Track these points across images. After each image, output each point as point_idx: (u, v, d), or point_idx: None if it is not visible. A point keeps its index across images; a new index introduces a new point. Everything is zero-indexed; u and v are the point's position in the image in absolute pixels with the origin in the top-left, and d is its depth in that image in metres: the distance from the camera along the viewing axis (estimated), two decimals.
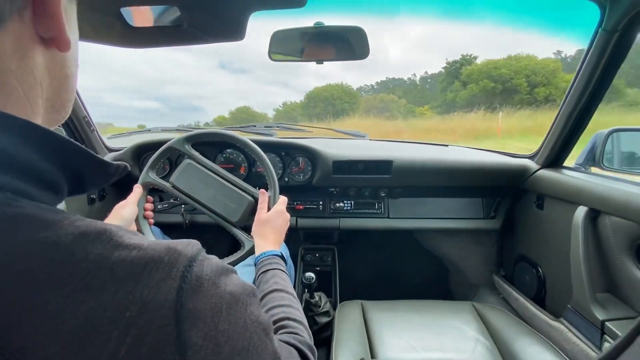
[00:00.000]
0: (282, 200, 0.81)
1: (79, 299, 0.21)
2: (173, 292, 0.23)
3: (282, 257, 0.68)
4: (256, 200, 0.82)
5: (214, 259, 0.28)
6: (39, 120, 0.27)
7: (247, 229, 0.83)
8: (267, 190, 0.83)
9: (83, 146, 0.27)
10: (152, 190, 0.90)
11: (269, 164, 0.85)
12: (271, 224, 0.75)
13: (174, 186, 0.86)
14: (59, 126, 1.02)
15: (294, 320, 0.50)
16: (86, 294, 0.21)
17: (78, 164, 0.27)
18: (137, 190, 0.83)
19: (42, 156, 0.24)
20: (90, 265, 0.22)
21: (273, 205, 0.80)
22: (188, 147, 0.87)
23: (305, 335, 0.48)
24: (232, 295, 0.27)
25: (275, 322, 0.49)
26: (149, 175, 0.87)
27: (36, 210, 0.23)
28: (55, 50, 0.27)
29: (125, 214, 0.76)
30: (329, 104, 27.82)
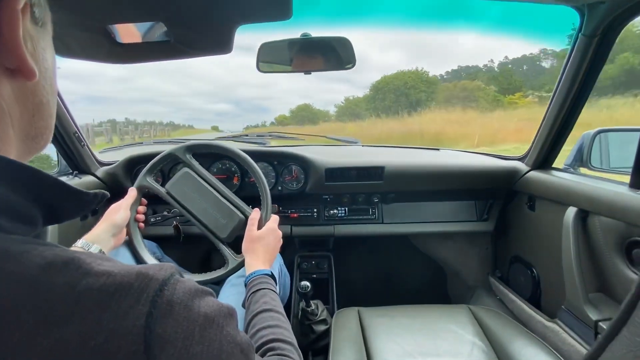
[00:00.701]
0: (274, 219, 0.81)
1: (42, 331, 0.21)
2: (142, 317, 0.23)
3: (272, 276, 0.68)
4: (247, 218, 0.82)
5: (188, 281, 0.28)
6: (12, 151, 0.27)
7: (233, 246, 0.83)
8: (259, 206, 0.83)
9: (56, 177, 0.27)
10: (146, 202, 0.90)
11: (264, 181, 0.85)
12: (263, 242, 0.75)
13: (168, 192, 0.86)
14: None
15: (283, 341, 0.50)
16: (50, 325, 0.21)
17: (51, 196, 0.27)
18: (132, 193, 0.83)
19: (12, 189, 0.24)
20: (56, 296, 0.22)
21: (265, 223, 0.79)
22: (189, 157, 0.88)
23: (295, 356, 0.48)
24: (206, 317, 0.27)
25: (264, 344, 0.49)
26: (145, 179, 0.87)
27: (5, 244, 0.23)
28: (23, 79, 0.26)
29: (117, 219, 0.76)
30: (402, 94, 23.03)
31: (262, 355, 0.47)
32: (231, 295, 0.75)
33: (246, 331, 0.54)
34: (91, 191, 0.30)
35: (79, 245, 0.68)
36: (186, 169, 0.87)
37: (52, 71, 0.31)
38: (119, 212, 0.77)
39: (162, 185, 0.88)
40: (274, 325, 0.53)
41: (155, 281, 0.25)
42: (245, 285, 0.66)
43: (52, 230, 0.87)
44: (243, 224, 0.82)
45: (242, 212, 0.83)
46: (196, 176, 0.86)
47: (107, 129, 15.20)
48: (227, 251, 0.82)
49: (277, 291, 0.65)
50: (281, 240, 0.79)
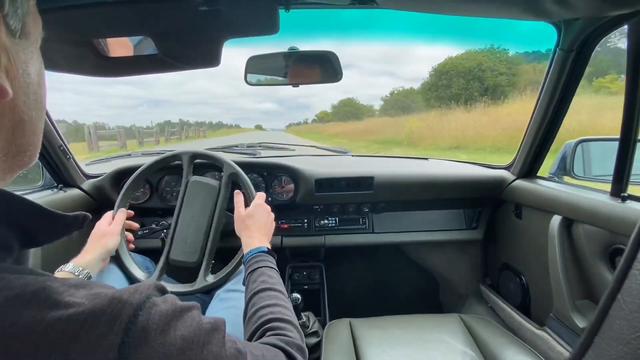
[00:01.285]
0: (260, 195, 0.81)
1: None
2: (114, 348, 0.22)
3: (269, 252, 0.67)
4: (204, 264, 0.83)
5: (165, 301, 0.27)
6: None
7: (176, 276, 0.86)
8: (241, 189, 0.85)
9: (31, 200, 0.26)
10: (134, 216, 0.89)
11: (248, 183, 0.86)
12: (253, 218, 0.74)
13: (187, 184, 0.87)
14: None
15: (282, 320, 0.49)
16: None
17: (26, 220, 0.26)
18: (122, 216, 0.81)
19: None
20: (20, 330, 0.21)
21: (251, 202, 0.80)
22: (190, 168, 0.89)
23: (295, 334, 0.48)
24: (183, 339, 0.26)
25: (263, 324, 0.49)
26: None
27: None
28: None
29: (109, 245, 0.75)
30: (474, 78, 17.08)
31: (262, 335, 0.47)
32: (219, 310, 0.73)
33: (246, 311, 0.54)
34: (70, 214, 0.28)
35: (68, 269, 0.67)
36: (218, 185, 0.87)
37: (38, 84, 0.29)
38: (112, 237, 0.76)
39: (150, 199, 0.87)
40: (272, 304, 0.53)
41: (129, 306, 0.24)
42: (244, 265, 0.65)
43: (34, 250, 0.85)
44: (196, 268, 0.83)
45: (205, 258, 0.84)
46: (216, 197, 0.86)
47: (121, 132, 14.03)
48: (164, 274, 0.83)
49: (276, 267, 0.64)
50: (272, 214, 0.79)
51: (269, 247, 0.69)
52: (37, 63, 0.29)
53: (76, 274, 0.67)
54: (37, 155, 0.31)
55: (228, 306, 0.72)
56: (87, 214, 0.30)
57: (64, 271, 0.67)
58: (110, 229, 0.78)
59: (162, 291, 0.28)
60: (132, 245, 0.85)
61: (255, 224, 0.74)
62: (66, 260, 0.69)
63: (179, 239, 0.84)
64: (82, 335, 0.22)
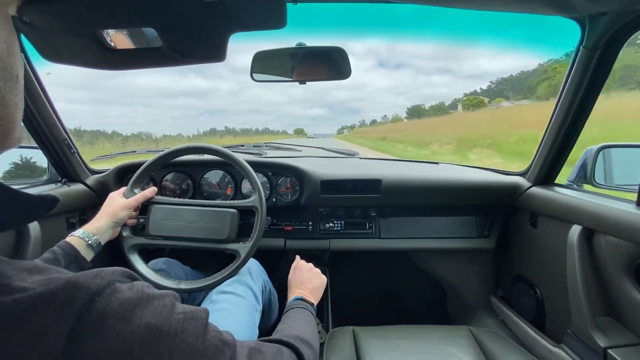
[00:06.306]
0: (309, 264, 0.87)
1: None
2: (63, 336, 0.20)
3: (315, 308, 0.71)
4: (237, 210, 0.82)
5: (130, 289, 0.25)
6: None
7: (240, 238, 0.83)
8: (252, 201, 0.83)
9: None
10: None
11: (249, 169, 0.84)
12: (312, 283, 0.79)
13: (152, 236, 0.83)
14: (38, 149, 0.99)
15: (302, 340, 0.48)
16: None
17: None
18: (147, 194, 0.81)
19: None
20: None
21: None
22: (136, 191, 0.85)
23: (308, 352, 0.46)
24: (149, 327, 0.24)
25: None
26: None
27: None
28: None
29: (120, 215, 0.76)
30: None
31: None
32: (210, 312, 0.70)
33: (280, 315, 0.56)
34: (37, 194, 0.26)
35: (78, 235, 0.68)
36: (154, 205, 0.85)
37: (7, 52, 0.26)
38: (124, 209, 0.77)
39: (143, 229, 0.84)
40: (294, 326, 0.55)
41: (85, 291, 0.22)
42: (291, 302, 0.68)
43: (34, 229, 0.83)
44: (237, 217, 0.82)
45: (231, 207, 0.82)
46: (164, 206, 0.84)
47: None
48: (236, 245, 0.80)
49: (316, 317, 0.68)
50: (325, 284, 0.84)
51: (316, 306, 0.74)
52: (3, 29, 0.26)
53: (86, 239, 0.68)
54: (16, 134, 0.28)
55: (219, 309, 0.69)
56: (56, 196, 0.28)
57: (74, 236, 0.68)
58: (124, 202, 0.78)
59: (131, 277, 0.26)
60: (132, 221, 0.83)
61: (313, 291, 0.78)
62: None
63: (204, 231, 0.82)
64: (26, 321, 0.20)
